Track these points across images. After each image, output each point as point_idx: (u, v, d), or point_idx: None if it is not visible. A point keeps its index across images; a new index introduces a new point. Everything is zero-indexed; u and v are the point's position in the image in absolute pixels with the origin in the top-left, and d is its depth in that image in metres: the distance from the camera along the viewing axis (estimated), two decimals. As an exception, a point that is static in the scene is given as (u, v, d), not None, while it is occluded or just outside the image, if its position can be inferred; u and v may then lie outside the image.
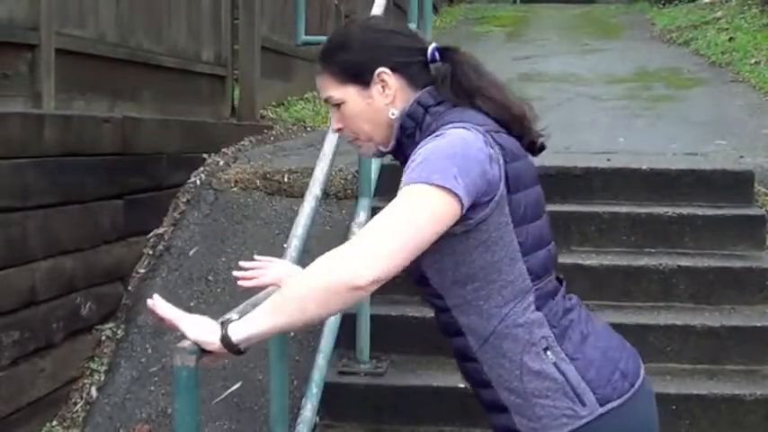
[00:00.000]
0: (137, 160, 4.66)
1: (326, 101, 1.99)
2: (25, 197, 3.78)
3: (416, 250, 1.72)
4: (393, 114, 1.92)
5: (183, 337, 1.84)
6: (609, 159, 4.80)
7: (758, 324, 3.73)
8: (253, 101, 6.74)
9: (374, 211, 3.73)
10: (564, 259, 4.00)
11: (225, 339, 1.75)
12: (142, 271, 4.70)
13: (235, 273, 2.32)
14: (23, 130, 3.79)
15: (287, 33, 7.33)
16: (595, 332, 1.89)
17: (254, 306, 1.84)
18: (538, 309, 1.83)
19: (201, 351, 1.81)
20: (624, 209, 4.25)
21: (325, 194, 4.13)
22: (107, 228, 4.44)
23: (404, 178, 1.77)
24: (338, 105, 1.96)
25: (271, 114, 7.30)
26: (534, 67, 9.40)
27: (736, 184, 4.39)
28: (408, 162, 1.80)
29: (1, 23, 3.95)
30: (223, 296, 4.44)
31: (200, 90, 6.16)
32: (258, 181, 5.03)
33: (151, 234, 4.85)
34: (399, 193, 1.74)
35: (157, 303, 1.86)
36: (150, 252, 4.79)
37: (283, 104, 7.82)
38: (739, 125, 6.58)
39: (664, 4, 13.34)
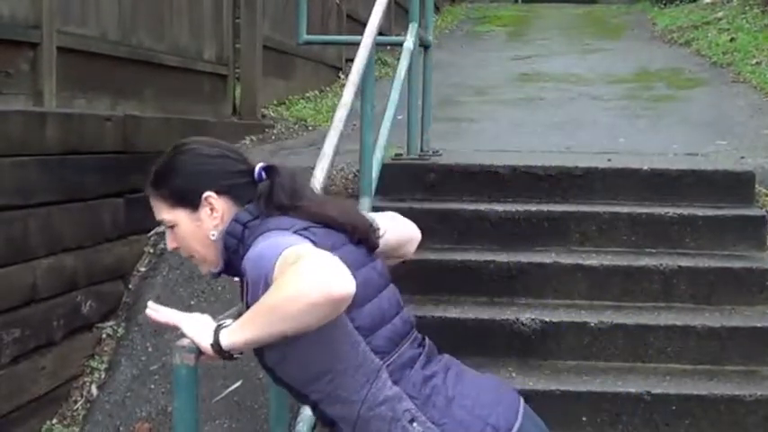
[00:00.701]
0: (138, 158, 4.66)
1: (161, 223, 2.02)
2: (27, 195, 3.78)
3: None
4: (213, 236, 1.96)
5: (183, 335, 1.85)
6: (610, 159, 4.80)
7: (758, 324, 3.72)
8: (254, 100, 6.74)
9: (375, 210, 3.72)
10: (564, 259, 4.00)
11: (216, 346, 1.78)
12: (143, 269, 4.70)
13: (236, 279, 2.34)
14: (25, 128, 3.80)
15: (288, 32, 7.34)
16: (463, 391, 1.90)
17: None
18: (395, 383, 1.85)
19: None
20: (625, 209, 4.24)
21: (326, 194, 4.11)
22: (108, 226, 4.44)
23: (259, 284, 1.76)
24: (172, 227, 1.99)
25: (272, 113, 7.30)
26: (535, 66, 9.39)
27: (736, 184, 4.38)
28: (245, 274, 1.82)
29: (3, 22, 3.95)
30: (224, 294, 4.44)
31: (202, 88, 6.17)
32: (259, 180, 5.03)
33: (152, 232, 4.85)
34: (278, 271, 1.71)
35: (155, 311, 1.89)
36: (151, 250, 4.79)
37: (284, 103, 7.82)
38: (740, 126, 6.59)
39: (665, 5, 13.34)
